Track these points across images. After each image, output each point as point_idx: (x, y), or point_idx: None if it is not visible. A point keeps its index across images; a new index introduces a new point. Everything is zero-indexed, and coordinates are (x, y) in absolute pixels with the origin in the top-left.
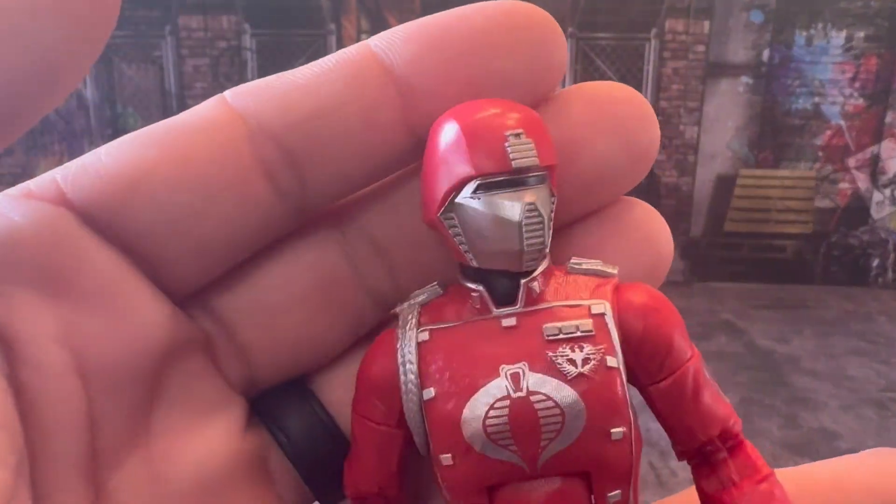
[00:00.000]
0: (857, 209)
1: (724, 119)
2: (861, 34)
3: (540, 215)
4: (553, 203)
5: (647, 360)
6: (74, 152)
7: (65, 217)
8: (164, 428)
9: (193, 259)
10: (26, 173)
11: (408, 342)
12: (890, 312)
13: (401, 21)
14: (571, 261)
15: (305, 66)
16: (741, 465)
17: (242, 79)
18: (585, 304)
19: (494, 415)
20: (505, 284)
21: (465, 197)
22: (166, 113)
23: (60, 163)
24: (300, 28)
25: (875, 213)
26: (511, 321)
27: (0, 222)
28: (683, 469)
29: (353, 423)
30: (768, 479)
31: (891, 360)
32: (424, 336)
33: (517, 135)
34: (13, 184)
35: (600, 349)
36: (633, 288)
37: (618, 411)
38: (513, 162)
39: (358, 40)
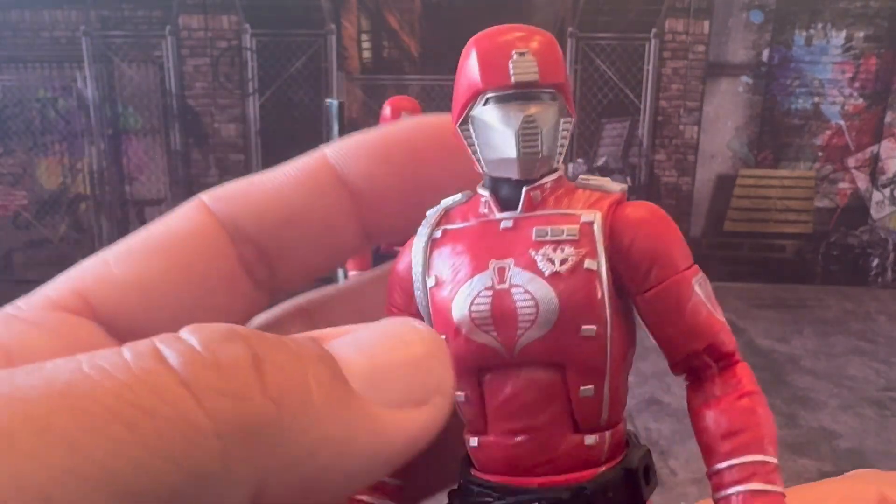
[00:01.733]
0: (857, 209)
1: (723, 119)
2: (861, 34)
3: (537, 127)
4: (566, 122)
5: (633, 270)
6: (74, 152)
7: (94, 329)
8: None
9: None
10: (27, 173)
11: (419, 238)
12: (889, 312)
13: (401, 21)
14: (580, 177)
15: (272, 171)
16: (726, 381)
17: (242, 79)
18: (577, 213)
19: (479, 302)
20: (509, 191)
21: (477, 108)
22: (166, 113)
23: (61, 162)
24: (300, 28)
25: (874, 212)
26: (509, 223)
27: (36, 334)
28: (683, 469)
29: (386, 314)
30: (751, 396)
31: (890, 359)
32: (438, 234)
33: (522, 53)
34: (13, 184)
35: (581, 252)
36: (636, 204)
37: (591, 310)
38: (513, 76)
39: (358, 40)
